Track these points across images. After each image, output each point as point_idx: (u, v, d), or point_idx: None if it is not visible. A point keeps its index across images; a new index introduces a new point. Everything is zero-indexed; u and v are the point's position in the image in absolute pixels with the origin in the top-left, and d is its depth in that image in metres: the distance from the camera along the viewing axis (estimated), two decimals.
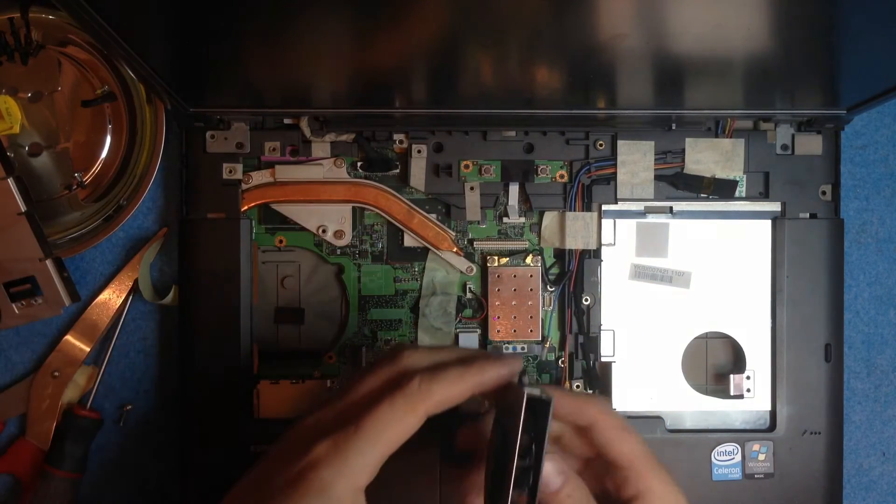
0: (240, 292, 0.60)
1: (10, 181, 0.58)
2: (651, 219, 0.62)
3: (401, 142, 0.61)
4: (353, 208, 0.62)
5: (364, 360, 0.62)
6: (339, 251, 0.62)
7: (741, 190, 0.62)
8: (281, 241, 0.62)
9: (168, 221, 0.64)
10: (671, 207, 0.62)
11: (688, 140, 0.62)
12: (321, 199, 0.61)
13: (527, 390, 0.43)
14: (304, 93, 0.58)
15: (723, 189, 0.62)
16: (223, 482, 0.59)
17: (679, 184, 0.62)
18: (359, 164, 0.62)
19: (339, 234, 0.61)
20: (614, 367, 0.62)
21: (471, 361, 0.46)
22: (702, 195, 0.62)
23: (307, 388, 0.61)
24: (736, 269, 0.62)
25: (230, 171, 0.61)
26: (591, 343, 0.62)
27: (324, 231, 0.61)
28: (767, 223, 0.62)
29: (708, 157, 0.62)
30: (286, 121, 0.61)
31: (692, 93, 0.57)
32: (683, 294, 0.62)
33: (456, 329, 0.62)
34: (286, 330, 0.63)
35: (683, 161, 0.62)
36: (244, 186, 0.61)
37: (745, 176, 0.62)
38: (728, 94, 0.58)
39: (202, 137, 0.60)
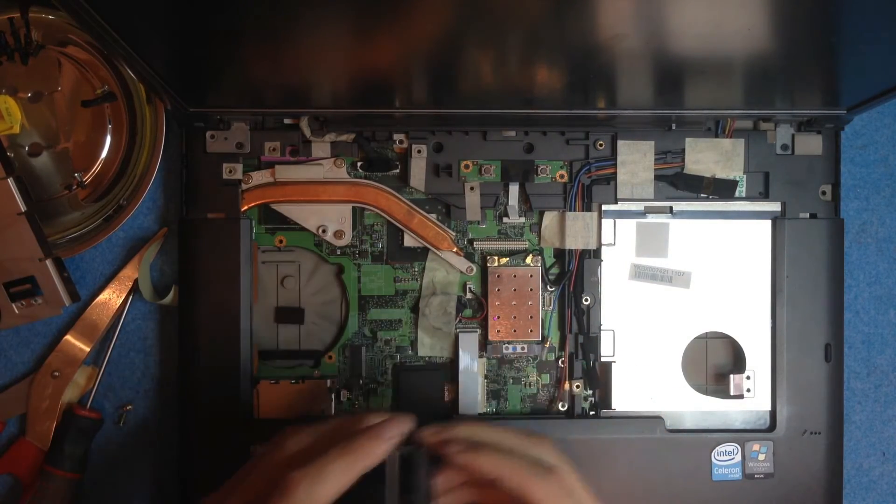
0: (239, 292, 0.60)
1: (10, 181, 0.58)
2: (651, 219, 0.62)
3: (401, 142, 0.61)
4: (353, 208, 0.62)
5: (364, 361, 0.62)
6: (339, 251, 0.62)
7: (741, 190, 0.62)
8: (281, 241, 0.62)
9: (168, 221, 0.63)
10: (671, 207, 0.62)
11: (688, 140, 0.62)
12: (321, 199, 0.61)
13: (398, 452, 0.46)
14: (304, 93, 0.58)
15: (723, 189, 0.62)
16: (222, 482, 0.60)
17: (679, 184, 0.62)
18: (359, 164, 0.62)
19: (339, 234, 0.61)
20: (614, 367, 0.62)
21: (355, 443, 0.45)
22: (702, 195, 0.62)
23: (307, 387, 0.61)
24: (736, 269, 0.62)
25: (230, 171, 0.61)
26: (591, 343, 0.62)
27: (324, 231, 0.61)
28: (767, 223, 0.62)
29: (708, 157, 0.61)
30: (286, 121, 0.61)
31: (692, 93, 0.57)
32: (683, 294, 0.62)
33: (456, 329, 0.62)
34: (286, 330, 0.63)
35: (683, 161, 0.62)
36: (244, 186, 0.61)
37: (744, 176, 0.62)
38: (728, 94, 0.58)
39: (202, 137, 0.60)
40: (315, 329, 0.63)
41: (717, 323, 0.62)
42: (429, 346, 0.62)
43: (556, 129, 0.61)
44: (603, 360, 0.62)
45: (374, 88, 0.56)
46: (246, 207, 0.61)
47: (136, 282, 0.62)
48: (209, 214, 0.61)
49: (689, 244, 0.62)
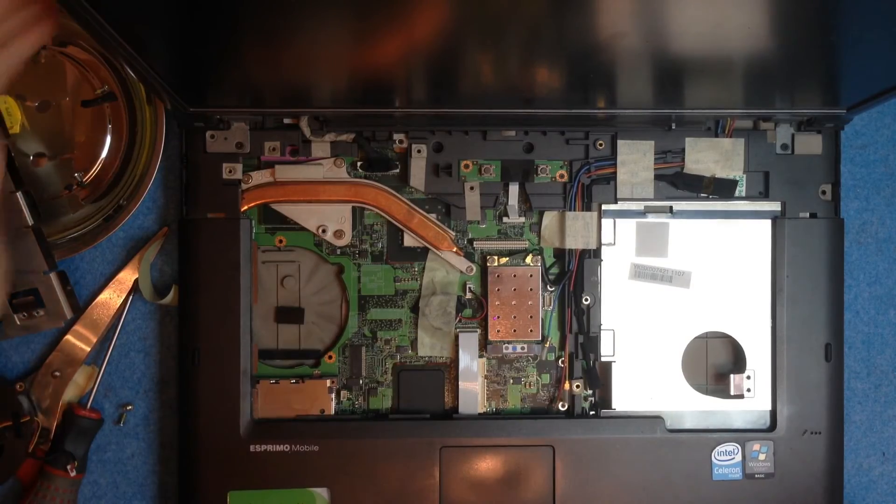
0: (239, 292, 0.60)
1: (19, 195, 0.58)
2: (651, 218, 0.62)
3: (400, 141, 0.61)
4: (353, 208, 0.62)
5: (364, 360, 0.62)
6: (338, 251, 0.62)
7: (741, 190, 0.62)
8: (281, 241, 0.62)
9: (168, 221, 0.63)
10: (671, 207, 0.62)
11: (687, 140, 0.62)
12: (321, 198, 0.61)
13: None
14: (304, 92, 0.58)
15: (723, 189, 0.62)
16: (222, 482, 0.60)
17: (679, 183, 0.62)
18: (359, 163, 0.62)
19: (338, 233, 0.61)
20: (614, 367, 0.62)
21: None
22: (702, 195, 0.62)
23: (307, 387, 0.61)
24: (736, 269, 0.62)
25: (230, 171, 0.61)
26: (591, 343, 0.62)
27: (324, 231, 0.61)
28: (767, 223, 0.62)
29: (708, 156, 0.61)
30: (286, 121, 0.61)
31: (692, 92, 0.57)
32: (683, 294, 0.62)
33: (456, 329, 0.62)
34: (286, 330, 0.63)
35: (683, 161, 0.62)
36: (244, 186, 0.61)
37: (744, 176, 0.62)
38: (728, 94, 0.57)
39: (202, 137, 0.60)
40: (315, 329, 0.63)
41: (718, 323, 0.62)
42: (429, 346, 0.62)
43: (555, 129, 0.61)
44: (603, 359, 0.62)
45: (373, 88, 0.56)
46: (246, 207, 0.61)
47: (136, 282, 0.62)
48: (209, 214, 0.61)
49: (689, 244, 0.62)
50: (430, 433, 0.60)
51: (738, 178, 0.62)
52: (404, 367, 0.63)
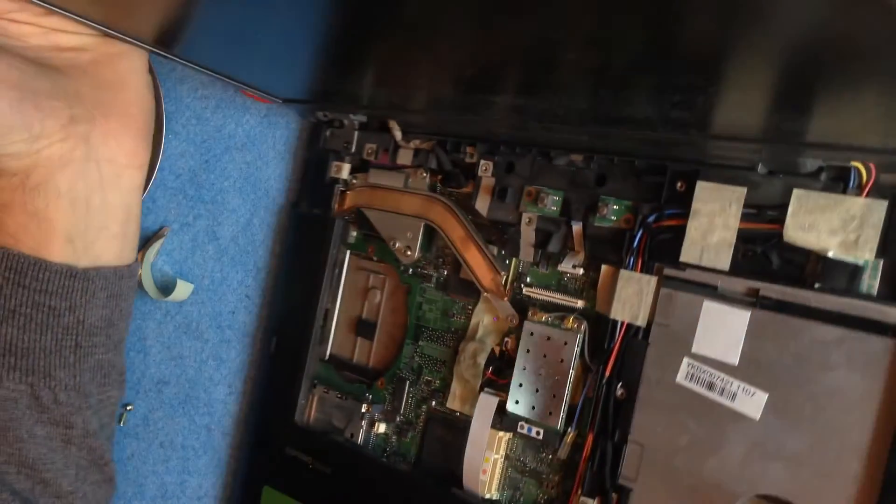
0: (318, 293, 0.59)
1: None
2: (724, 301, 0.42)
3: (471, 155, 0.53)
4: (425, 225, 0.55)
5: (406, 396, 0.55)
6: (411, 271, 0.56)
7: (868, 283, 0.37)
8: (372, 251, 0.59)
9: (168, 221, 0.63)
10: (757, 290, 0.41)
11: (796, 192, 0.39)
12: (399, 209, 0.56)
13: None
14: (401, 96, 0.53)
15: (836, 276, 0.38)
16: (262, 474, 0.60)
17: (773, 256, 0.40)
18: (439, 176, 0.55)
19: (404, 249, 0.56)
20: (633, 498, 0.43)
21: None
22: (805, 279, 0.39)
23: (347, 405, 0.57)
24: (833, 405, 0.38)
25: (336, 170, 0.59)
26: (612, 453, 0.44)
27: (394, 244, 0.56)
28: (887, 342, 0.36)
29: (823, 220, 0.39)
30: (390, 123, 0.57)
31: (818, 118, 0.37)
32: (747, 424, 0.40)
33: (482, 387, 0.51)
34: (363, 343, 0.59)
35: (784, 222, 0.40)
36: (344, 187, 0.59)
37: (876, 262, 0.37)
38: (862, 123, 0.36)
39: (320, 132, 0.60)
40: (382, 349, 0.58)
41: (788, 482, 0.39)
42: (458, 399, 0.52)
43: (627, 158, 0.45)
44: (621, 481, 0.44)
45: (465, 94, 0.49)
46: (345, 208, 0.59)
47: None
48: (313, 210, 0.60)
49: (770, 350, 0.40)
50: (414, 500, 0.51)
51: (863, 263, 0.37)
52: (435, 414, 0.54)
